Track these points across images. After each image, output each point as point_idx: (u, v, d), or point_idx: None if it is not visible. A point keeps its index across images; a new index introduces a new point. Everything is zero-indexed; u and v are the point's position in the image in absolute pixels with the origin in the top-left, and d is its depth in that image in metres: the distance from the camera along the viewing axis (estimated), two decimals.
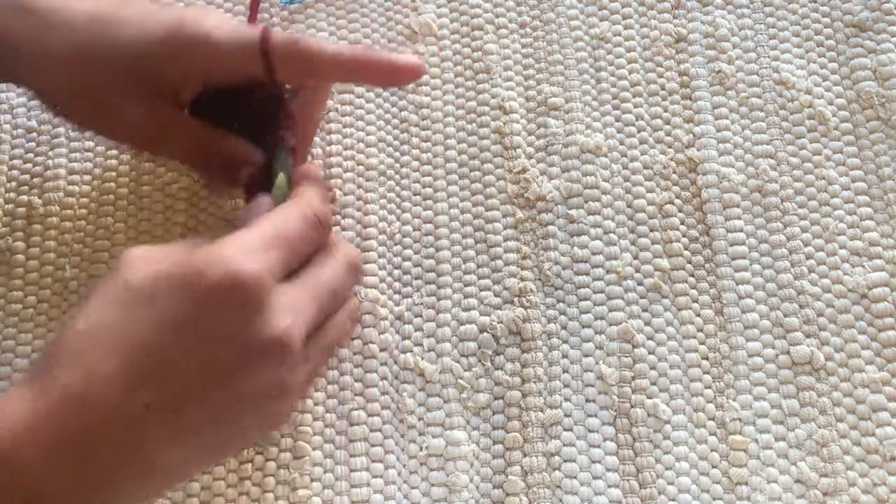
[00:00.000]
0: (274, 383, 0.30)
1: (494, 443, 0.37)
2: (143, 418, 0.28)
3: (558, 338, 0.38)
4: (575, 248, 0.40)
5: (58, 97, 0.37)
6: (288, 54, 0.35)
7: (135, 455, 0.28)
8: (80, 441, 0.27)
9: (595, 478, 0.36)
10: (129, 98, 0.35)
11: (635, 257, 0.40)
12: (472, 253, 0.40)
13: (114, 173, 0.43)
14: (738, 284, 0.39)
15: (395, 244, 0.41)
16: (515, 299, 0.39)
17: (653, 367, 0.38)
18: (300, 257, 0.32)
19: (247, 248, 0.29)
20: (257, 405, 0.30)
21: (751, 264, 0.39)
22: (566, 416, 0.37)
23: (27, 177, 0.43)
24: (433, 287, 0.40)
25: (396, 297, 0.40)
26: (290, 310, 0.29)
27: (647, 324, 0.38)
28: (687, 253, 0.40)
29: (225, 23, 0.36)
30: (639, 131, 0.42)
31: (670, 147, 0.42)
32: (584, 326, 0.39)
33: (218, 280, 0.28)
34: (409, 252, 0.41)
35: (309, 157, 0.43)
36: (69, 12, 0.35)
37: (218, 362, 0.28)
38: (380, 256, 0.40)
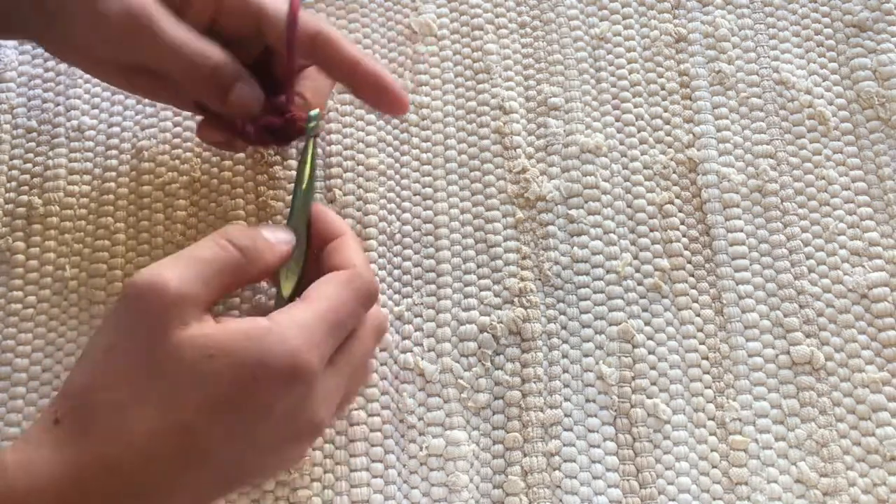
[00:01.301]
0: (301, 454, 0.34)
1: (494, 443, 0.37)
2: (178, 497, 0.28)
3: (558, 338, 0.38)
4: (575, 248, 0.40)
5: (83, 13, 0.34)
6: (308, 31, 0.35)
7: None
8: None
9: (595, 478, 0.36)
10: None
11: (635, 257, 0.40)
12: (472, 253, 0.40)
13: (114, 173, 0.43)
14: (738, 284, 0.39)
15: (395, 244, 0.41)
16: (515, 299, 0.39)
17: (653, 367, 0.38)
18: (346, 334, 0.32)
19: (309, 336, 0.29)
20: (280, 469, 0.35)
21: (751, 264, 0.39)
22: (566, 416, 0.37)
23: (27, 177, 0.43)
24: (433, 287, 0.40)
25: (396, 297, 0.40)
26: (330, 397, 0.31)
27: (647, 324, 0.38)
28: (687, 253, 0.40)
29: None
30: (639, 131, 0.42)
31: (670, 147, 0.42)
32: (584, 326, 0.39)
33: (280, 371, 0.28)
34: (409, 252, 0.41)
35: None
36: None
37: (261, 445, 0.30)
38: (380, 256, 0.40)
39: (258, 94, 0.36)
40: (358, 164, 0.42)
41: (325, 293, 0.31)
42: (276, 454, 0.31)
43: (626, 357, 0.38)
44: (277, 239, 0.33)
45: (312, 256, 0.35)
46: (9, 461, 0.27)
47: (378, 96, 0.37)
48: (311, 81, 0.38)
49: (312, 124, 0.36)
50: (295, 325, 0.29)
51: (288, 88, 0.36)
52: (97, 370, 0.29)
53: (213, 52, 0.35)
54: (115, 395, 0.28)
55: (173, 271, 0.29)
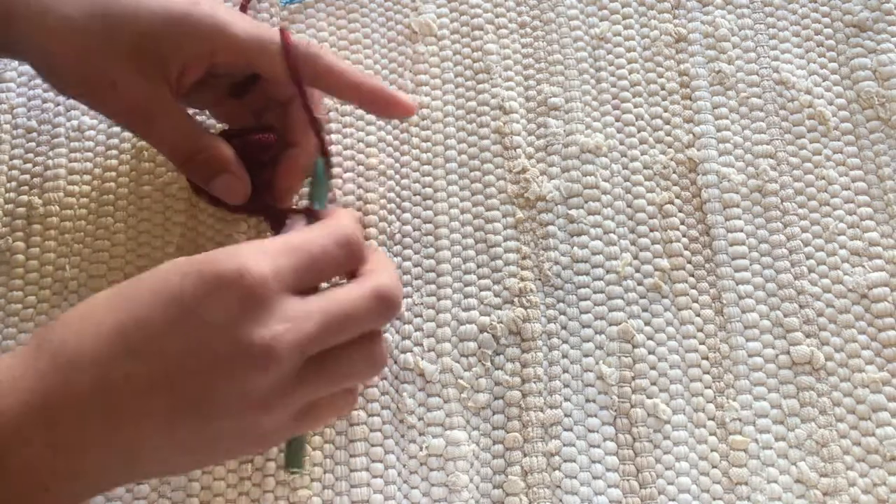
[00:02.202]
0: (257, 393, 0.28)
1: (494, 443, 0.37)
2: (119, 389, 0.27)
3: (558, 338, 0.38)
4: (575, 248, 0.40)
5: (59, 67, 0.36)
6: (307, 63, 0.36)
7: (105, 426, 0.28)
8: (59, 404, 0.27)
9: (595, 478, 0.36)
10: (131, 71, 0.35)
11: (635, 257, 0.40)
12: (472, 253, 0.40)
13: (114, 173, 0.43)
14: (738, 284, 0.39)
15: (395, 244, 0.41)
16: (515, 299, 0.39)
17: (653, 367, 0.38)
18: (321, 275, 0.31)
19: (263, 251, 0.29)
20: (235, 412, 0.29)
21: (751, 264, 0.39)
22: (566, 416, 0.37)
23: (27, 177, 0.43)
24: (433, 287, 0.40)
25: None
26: (287, 320, 0.29)
27: (647, 324, 0.38)
28: (687, 253, 0.40)
29: (240, 17, 0.37)
30: (639, 131, 0.42)
31: (670, 147, 0.42)
32: (584, 326, 0.39)
33: (224, 270, 0.28)
34: (409, 252, 0.41)
35: None
36: None
37: (201, 350, 0.28)
38: None
39: (243, 186, 0.37)
40: (358, 164, 0.42)
41: (301, 230, 0.32)
42: (228, 379, 0.28)
43: (626, 357, 0.38)
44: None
45: None
46: None
47: (386, 110, 0.38)
48: (290, 162, 0.39)
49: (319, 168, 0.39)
50: (253, 243, 0.30)
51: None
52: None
53: (204, 142, 0.37)
54: (92, 299, 0.29)
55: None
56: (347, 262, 0.32)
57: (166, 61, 0.35)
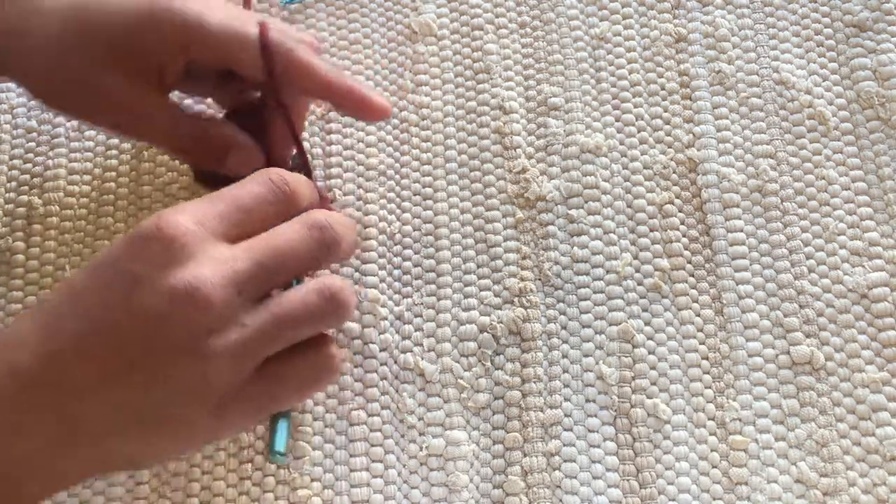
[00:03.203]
0: (191, 338, 0.27)
1: (494, 443, 0.37)
2: (57, 360, 0.28)
3: (558, 338, 0.38)
4: (575, 248, 0.40)
5: (43, 81, 0.36)
6: (280, 58, 0.35)
7: (44, 400, 0.28)
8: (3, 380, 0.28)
9: (595, 478, 0.36)
10: (113, 77, 0.35)
11: (635, 257, 0.40)
12: (472, 253, 0.40)
13: (114, 173, 0.43)
14: (738, 284, 0.39)
15: (395, 244, 0.41)
16: (515, 299, 0.39)
17: (653, 367, 0.38)
18: (251, 216, 0.30)
19: (185, 204, 0.30)
20: (174, 364, 0.28)
21: (751, 264, 0.39)
22: (566, 416, 0.37)
23: (27, 177, 0.43)
24: (433, 287, 0.40)
25: (396, 297, 0.40)
26: (212, 260, 0.28)
27: (647, 324, 0.38)
28: (687, 253, 0.40)
29: (219, 7, 0.35)
30: (639, 131, 0.42)
31: (670, 147, 0.42)
32: (584, 326, 0.39)
33: (144, 226, 0.29)
34: (409, 252, 0.41)
35: (309, 157, 0.42)
36: None
37: (130, 305, 0.28)
38: (380, 256, 0.40)
39: (256, 156, 0.37)
40: (358, 164, 0.42)
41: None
42: (160, 326, 0.28)
43: (626, 357, 0.38)
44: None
45: None
46: None
47: (358, 110, 0.37)
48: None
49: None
50: (184, 202, 0.30)
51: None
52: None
53: (202, 127, 0.37)
54: (40, 304, 0.30)
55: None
56: (277, 201, 0.31)
57: (143, 59, 0.35)
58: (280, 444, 0.34)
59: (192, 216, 0.29)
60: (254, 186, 0.31)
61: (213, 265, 0.28)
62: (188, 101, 0.43)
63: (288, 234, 0.30)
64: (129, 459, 0.30)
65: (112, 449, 0.29)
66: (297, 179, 0.32)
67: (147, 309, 0.28)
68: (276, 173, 0.32)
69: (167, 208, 0.29)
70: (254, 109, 0.38)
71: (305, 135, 0.43)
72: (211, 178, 0.38)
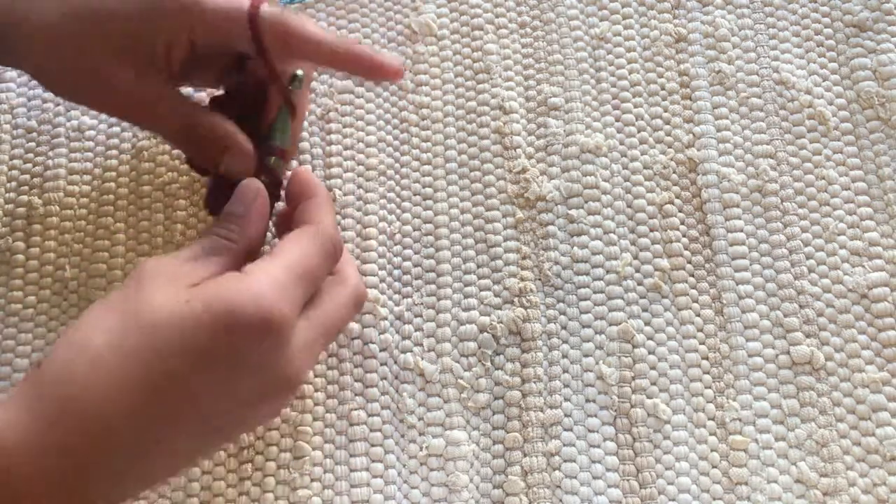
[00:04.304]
0: (281, 409, 0.35)
1: (494, 443, 0.37)
2: (153, 450, 0.29)
3: (558, 338, 0.38)
4: (575, 248, 0.40)
5: (48, 69, 0.36)
6: (274, 30, 0.35)
7: (139, 483, 0.29)
8: (79, 454, 0.27)
9: (595, 478, 0.36)
10: (118, 65, 0.35)
11: (635, 257, 0.40)
12: (472, 253, 0.40)
13: (114, 173, 0.43)
14: (738, 284, 0.39)
15: (395, 244, 0.41)
16: (515, 299, 0.39)
17: (653, 367, 0.38)
18: (316, 287, 0.33)
19: (279, 286, 0.30)
20: (264, 416, 0.34)
21: (751, 264, 0.39)
22: (566, 416, 0.37)
23: (27, 177, 0.43)
24: (433, 287, 0.40)
25: (396, 297, 0.40)
26: (306, 350, 0.31)
27: (647, 324, 0.38)
28: (687, 253, 0.40)
29: None
30: (639, 131, 0.42)
31: (670, 147, 0.42)
32: (584, 326, 0.39)
33: (251, 319, 0.29)
34: (409, 252, 0.41)
35: (309, 157, 0.43)
36: None
37: (237, 393, 0.30)
38: (380, 256, 0.40)
39: (250, 160, 0.36)
40: (358, 164, 0.42)
41: (292, 246, 0.32)
42: (253, 407, 0.31)
43: (626, 357, 0.38)
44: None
45: (289, 213, 0.36)
46: None
47: (369, 73, 0.38)
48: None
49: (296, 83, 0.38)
50: (265, 275, 0.30)
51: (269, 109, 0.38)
52: (81, 322, 0.29)
53: (201, 126, 0.36)
54: (86, 343, 0.28)
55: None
56: (329, 265, 0.34)
57: (148, 45, 0.35)
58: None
59: (290, 306, 0.30)
60: (321, 261, 0.33)
61: (307, 353, 0.32)
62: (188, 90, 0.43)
63: (338, 307, 0.34)
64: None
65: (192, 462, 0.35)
66: (340, 237, 0.35)
67: (252, 395, 0.31)
68: (336, 240, 0.34)
69: (258, 286, 0.30)
70: (254, 89, 0.38)
71: (305, 134, 0.43)
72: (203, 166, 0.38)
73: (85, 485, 0.27)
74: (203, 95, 0.43)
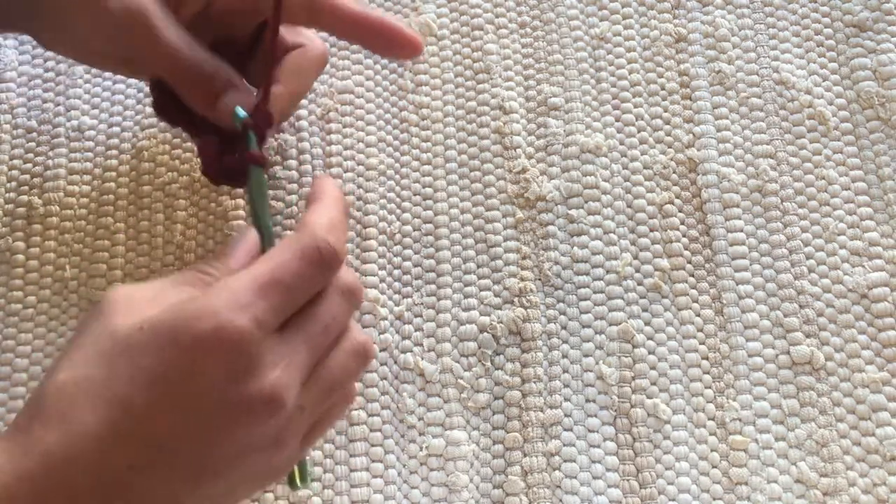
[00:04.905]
0: (266, 438, 0.28)
1: (494, 443, 0.37)
2: (126, 480, 0.26)
3: (558, 338, 0.38)
4: (575, 248, 0.40)
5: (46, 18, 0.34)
6: (301, 2, 0.35)
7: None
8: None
9: (595, 478, 0.36)
10: None
11: (635, 257, 0.40)
12: (472, 253, 0.40)
13: (114, 173, 0.43)
14: (738, 284, 0.39)
15: (395, 244, 0.41)
16: (515, 299, 0.39)
17: (653, 367, 0.38)
18: (300, 300, 0.29)
19: (235, 299, 0.27)
20: (249, 461, 0.28)
21: (751, 264, 0.39)
22: (566, 416, 0.37)
23: (27, 177, 0.43)
24: (433, 287, 0.40)
25: (396, 297, 0.40)
26: (280, 363, 0.28)
27: (647, 324, 0.38)
28: (687, 253, 0.40)
29: None
30: (639, 131, 0.42)
31: (670, 147, 0.42)
32: (584, 326, 0.39)
33: (203, 334, 0.27)
34: (409, 252, 0.41)
35: (309, 157, 0.43)
36: None
37: (204, 419, 0.27)
38: (380, 256, 0.40)
39: (251, 98, 0.35)
40: (358, 164, 0.42)
41: (268, 256, 0.29)
42: (236, 435, 0.28)
43: (626, 357, 0.38)
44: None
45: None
46: None
47: (389, 45, 0.36)
48: (294, 64, 0.37)
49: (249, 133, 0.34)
50: (224, 289, 0.28)
51: (269, 77, 0.35)
52: (54, 372, 0.28)
53: (206, 59, 0.35)
54: (60, 383, 0.27)
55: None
56: (324, 278, 0.30)
57: None
58: (306, 477, 0.34)
59: (250, 319, 0.27)
60: (298, 266, 0.29)
61: (281, 368, 0.28)
62: None
63: (332, 309, 0.30)
64: None
65: None
66: (339, 239, 0.31)
67: (216, 421, 0.27)
68: (323, 244, 0.30)
69: (216, 301, 0.27)
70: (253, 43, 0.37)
71: (305, 134, 0.43)
72: (171, 109, 0.36)
73: None
74: None
